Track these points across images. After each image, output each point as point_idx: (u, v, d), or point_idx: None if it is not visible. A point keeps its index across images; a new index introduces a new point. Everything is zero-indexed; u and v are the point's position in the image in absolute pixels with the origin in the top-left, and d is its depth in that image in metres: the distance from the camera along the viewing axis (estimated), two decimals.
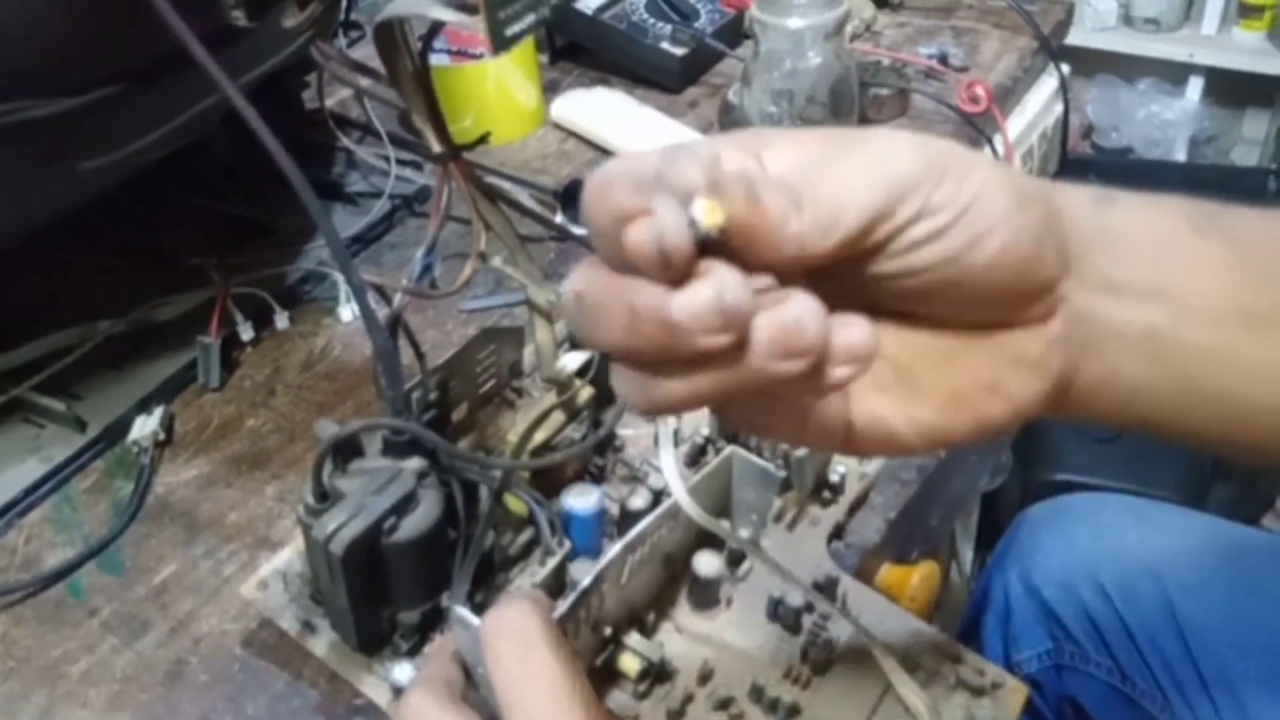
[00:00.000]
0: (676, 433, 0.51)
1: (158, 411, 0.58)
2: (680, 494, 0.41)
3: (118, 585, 0.51)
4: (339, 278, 0.67)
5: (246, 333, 0.64)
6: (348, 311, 0.66)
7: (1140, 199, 0.33)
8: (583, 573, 0.41)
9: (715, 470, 0.45)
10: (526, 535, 0.46)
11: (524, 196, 0.75)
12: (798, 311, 0.25)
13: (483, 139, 0.44)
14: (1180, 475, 1.36)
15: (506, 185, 0.76)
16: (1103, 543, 0.74)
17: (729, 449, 0.46)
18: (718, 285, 0.24)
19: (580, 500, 0.45)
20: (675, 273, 0.24)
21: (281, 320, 0.65)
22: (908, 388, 0.31)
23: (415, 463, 0.42)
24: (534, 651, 0.34)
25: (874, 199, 0.26)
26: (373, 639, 0.43)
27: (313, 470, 0.40)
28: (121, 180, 0.58)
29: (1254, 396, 0.32)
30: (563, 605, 0.38)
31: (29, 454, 0.57)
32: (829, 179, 0.26)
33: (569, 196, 0.75)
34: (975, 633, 0.80)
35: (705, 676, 0.42)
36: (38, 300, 0.66)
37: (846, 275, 0.28)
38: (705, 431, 0.50)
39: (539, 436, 0.46)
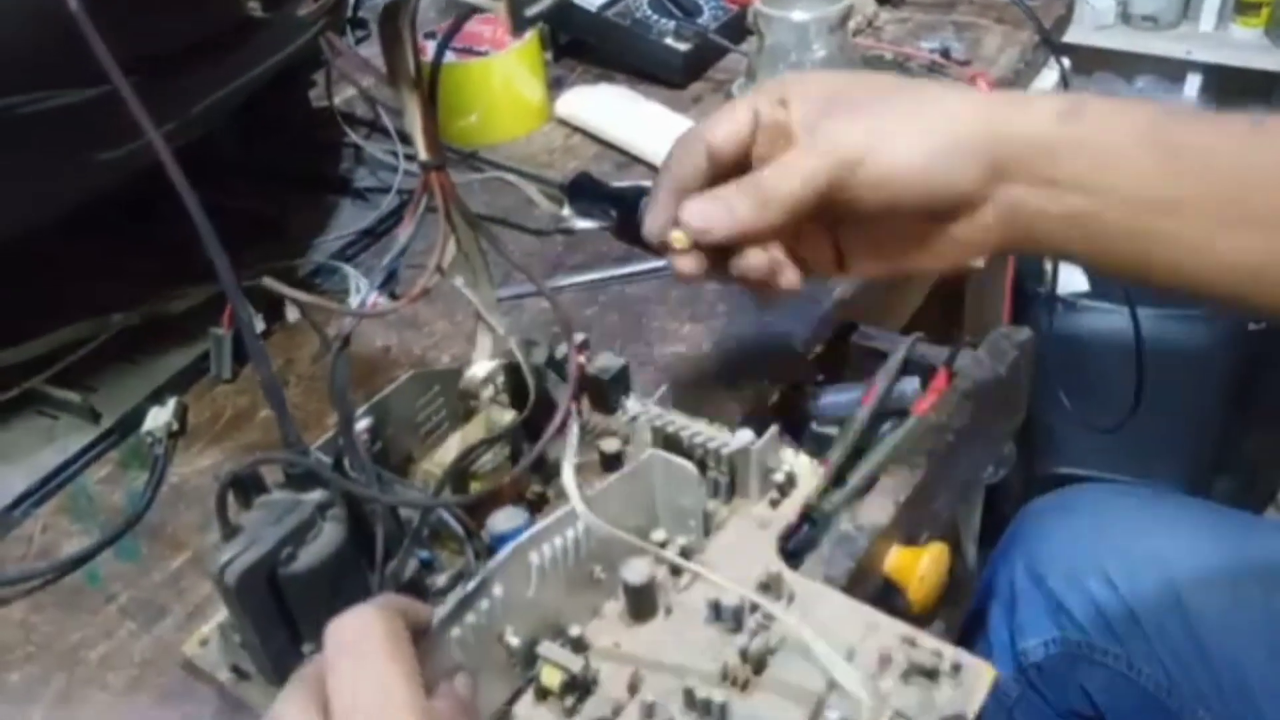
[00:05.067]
0: (603, 452, 0.48)
1: (171, 403, 0.59)
2: (575, 499, 0.40)
3: (134, 572, 0.51)
4: (350, 270, 0.68)
5: (258, 325, 0.64)
6: (358, 303, 0.67)
7: (1108, 108, 0.41)
8: None
9: (633, 475, 0.43)
10: (460, 564, 0.44)
11: (532, 190, 0.75)
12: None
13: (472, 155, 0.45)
14: (1182, 468, 1.36)
15: (513, 179, 0.77)
16: (1108, 532, 0.75)
17: (648, 452, 0.44)
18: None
19: (508, 522, 0.44)
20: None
21: (293, 312, 0.66)
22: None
23: (317, 494, 0.40)
24: (367, 659, 0.33)
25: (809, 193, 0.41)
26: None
27: (216, 508, 0.39)
28: (137, 172, 0.59)
29: (1166, 254, 0.40)
30: (441, 610, 0.36)
31: (44, 445, 0.58)
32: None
33: (575, 190, 0.75)
34: (981, 624, 0.80)
35: (634, 686, 0.40)
36: (51, 293, 0.66)
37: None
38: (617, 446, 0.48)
39: (451, 454, 0.45)
